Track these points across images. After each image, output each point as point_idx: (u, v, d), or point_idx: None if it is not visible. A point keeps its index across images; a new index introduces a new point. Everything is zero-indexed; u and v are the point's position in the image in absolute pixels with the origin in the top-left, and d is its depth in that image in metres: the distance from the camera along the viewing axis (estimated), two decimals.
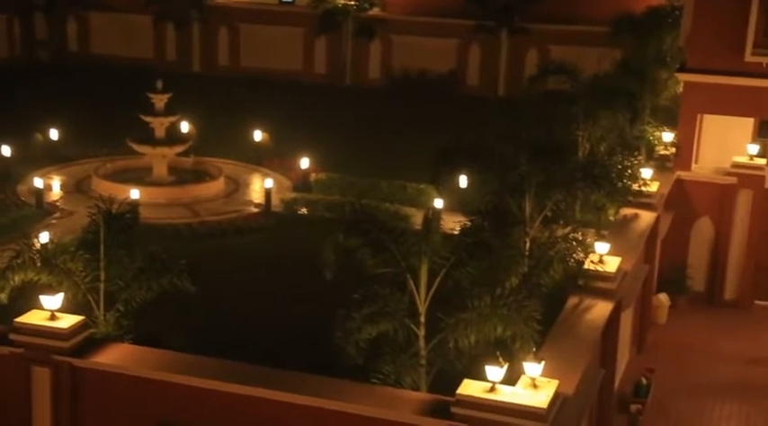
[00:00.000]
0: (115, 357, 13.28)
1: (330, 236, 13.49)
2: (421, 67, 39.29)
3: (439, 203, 22.61)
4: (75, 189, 26.78)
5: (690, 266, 22.55)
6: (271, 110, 33.09)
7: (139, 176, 27.22)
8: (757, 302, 22.21)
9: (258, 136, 30.29)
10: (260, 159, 29.21)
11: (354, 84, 40.64)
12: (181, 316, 16.61)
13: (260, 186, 27.09)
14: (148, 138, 27.12)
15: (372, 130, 32.48)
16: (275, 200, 25.66)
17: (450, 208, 21.67)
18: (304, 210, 25.32)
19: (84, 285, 13.91)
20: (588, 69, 22.78)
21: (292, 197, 26.07)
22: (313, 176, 27.11)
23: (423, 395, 12.70)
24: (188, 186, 26.92)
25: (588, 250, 15.80)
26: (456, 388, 11.94)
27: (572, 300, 15.26)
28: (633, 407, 17.21)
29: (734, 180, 22.02)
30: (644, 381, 18.22)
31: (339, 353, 12.68)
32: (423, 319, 12.97)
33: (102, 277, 13.98)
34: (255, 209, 25.76)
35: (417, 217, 22.03)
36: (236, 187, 27.48)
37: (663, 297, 21.72)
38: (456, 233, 14.57)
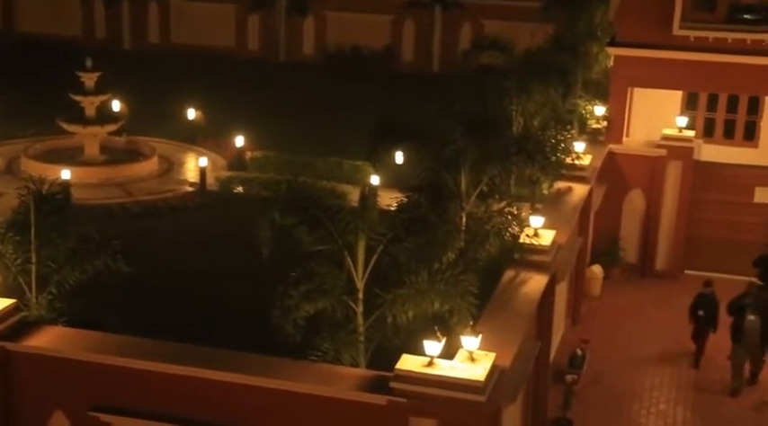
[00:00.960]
0: (49, 340, 13.09)
1: (266, 214, 13.42)
2: (355, 43, 39.17)
3: (375, 180, 22.64)
4: (4, 170, 26.22)
5: (622, 238, 22.93)
6: (204, 87, 32.72)
7: (70, 156, 26.77)
8: (687, 272, 22.70)
9: (191, 114, 29.94)
10: (194, 138, 28.89)
11: (288, 60, 40.35)
12: (117, 297, 16.41)
13: (194, 165, 26.82)
14: (79, 118, 26.66)
15: (307, 107, 32.33)
16: (210, 179, 25.44)
17: (386, 184, 21.70)
18: (240, 189, 25.15)
19: (15, 267, 13.65)
20: (521, 44, 22.91)
21: (227, 175, 25.86)
22: (248, 154, 26.91)
23: (362, 371, 12.76)
24: (121, 166, 26.55)
25: (523, 224, 15.95)
26: (395, 363, 12.02)
27: (508, 274, 15.44)
28: (569, 377, 17.49)
29: (664, 152, 22.41)
30: (579, 352, 18.53)
31: (277, 331, 12.65)
32: (361, 296, 13.00)
33: (34, 259, 13.73)
34: (190, 188, 25.51)
35: (354, 195, 22.07)
36: (170, 166, 27.17)
37: (596, 269, 22.06)
38: (393, 209, 14.59)
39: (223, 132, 28.44)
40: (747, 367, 18.16)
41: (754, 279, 18.48)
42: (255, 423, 12.48)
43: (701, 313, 18.57)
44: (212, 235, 21.88)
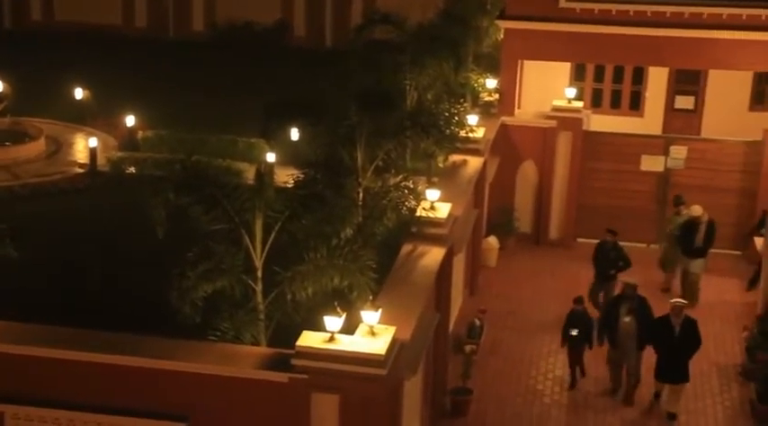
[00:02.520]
0: None
1: (160, 194, 13.20)
2: (246, 18, 38.62)
3: (271, 157, 22.46)
4: None
5: (516, 208, 23.36)
6: (91, 66, 31.84)
7: None
8: (579, 240, 23.29)
9: (79, 94, 29.14)
10: (82, 118, 28.14)
11: (178, 37, 39.55)
12: (6, 283, 15.94)
13: (84, 146, 26.15)
14: None
15: (199, 85, 31.79)
16: (101, 160, 24.84)
17: (282, 161, 21.57)
18: (132, 169, 24.66)
19: None
20: (413, 18, 23.00)
21: (119, 156, 25.30)
22: (140, 134, 26.36)
23: (263, 350, 12.74)
24: (6, 148, 25.69)
25: (420, 197, 16.10)
26: (296, 341, 12.03)
27: (406, 247, 15.58)
28: (468, 348, 17.79)
29: (554, 123, 22.86)
30: (477, 322, 18.85)
31: (176, 313, 12.50)
32: (259, 274, 12.95)
33: None
34: (80, 170, 24.88)
35: (250, 172, 21.76)
36: (59, 147, 26.41)
37: (492, 240, 22.44)
38: (289, 186, 14.54)
39: (113, 111, 27.76)
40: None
41: (629, 280, 17.29)
42: (156, 406, 12.33)
43: (574, 332, 17.31)
44: (105, 217, 21.41)
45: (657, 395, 17.10)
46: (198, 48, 37.05)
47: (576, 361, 17.58)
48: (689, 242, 20.22)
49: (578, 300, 17.70)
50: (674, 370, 16.56)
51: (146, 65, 34.22)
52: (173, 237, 13.39)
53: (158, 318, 12.79)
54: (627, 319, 16.73)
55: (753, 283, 20.87)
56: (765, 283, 18.86)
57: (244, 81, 31.64)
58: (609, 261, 19.40)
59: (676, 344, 16.45)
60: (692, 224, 20.24)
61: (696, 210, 20.32)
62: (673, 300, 16.81)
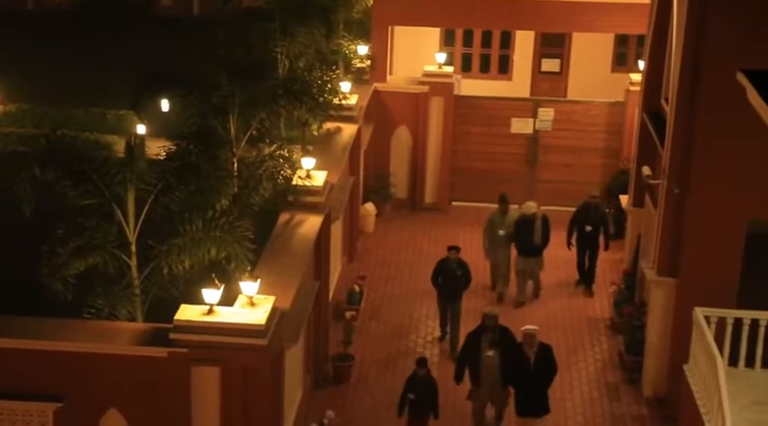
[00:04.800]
0: None
1: (25, 170, 12.78)
2: None
3: (141, 129, 21.94)
4: None
5: (392, 174, 23.55)
6: None
7: None
8: (453, 203, 23.68)
9: None
10: None
11: (37, 7, 38.09)
12: None
13: None
14: None
15: (63, 58, 30.71)
16: None
17: (153, 133, 21.09)
18: None
19: None
20: None
21: None
22: (0, 108, 25.40)
23: (139, 325, 12.54)
24: None
25: (295, 166, 16.06)
26: (174, 315, 11.89)
27: (283, 217, 15.55)
28: (348, 314, 17.89)
29: (426, 88, 23.08)
30: (357, 288, 19.00)
31: (46, 291, 12.16)
32: (133, 248, 12.72)
33: None
34: None
35: (120, 145, 21.29)
36: None
37: (369, 207, 22.59)
38: (161, 158, 14.28)
39: None
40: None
41: (489, 308, 15.69)
42: (30, 387, 12.00)
43: (411, 396, 14.65)
44: None
45: None
46: (59, 18, 35.77)
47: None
48: (525, 240, 18.75)
49: (421, 363, 14.80)
50: (534, 403, 14.76)
51: (4, 37, 32.84)
52: (41, 214, 12.99)
53: (28, 297, 12.41)
54: (490, 353, 14.82)
55: (586, 280, 19.89)
56: (630, 240, 19.59)
57: (110, 52, 30.73)
58: (456, 279, 17.52)
59: (534, 375, 14.62)
60: (527, 221, 18.72)
61: (530, 208, 18.89)
62: (524, 328, 14.90)
